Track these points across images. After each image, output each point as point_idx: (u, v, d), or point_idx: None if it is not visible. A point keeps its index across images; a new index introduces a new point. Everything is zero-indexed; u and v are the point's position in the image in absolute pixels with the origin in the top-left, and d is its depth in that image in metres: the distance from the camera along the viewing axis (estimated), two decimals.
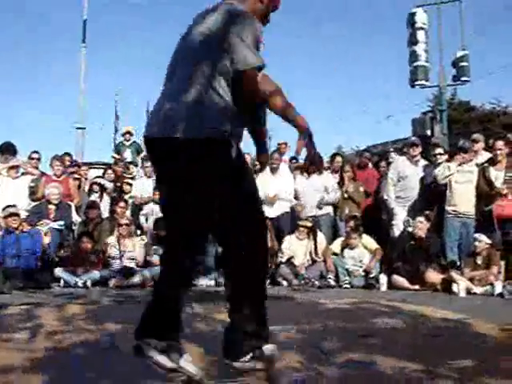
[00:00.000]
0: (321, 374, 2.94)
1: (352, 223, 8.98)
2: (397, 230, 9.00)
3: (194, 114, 2.62)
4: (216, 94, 2.65)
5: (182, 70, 2.74)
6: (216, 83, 2.65)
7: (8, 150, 9.87)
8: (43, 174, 10.35)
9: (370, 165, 10.82)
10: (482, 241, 7.89)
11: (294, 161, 11.03)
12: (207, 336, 3.85)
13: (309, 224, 9.00)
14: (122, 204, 9.84)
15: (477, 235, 8.01)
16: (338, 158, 10.48)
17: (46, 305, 5.88)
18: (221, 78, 2.65)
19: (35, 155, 10.58)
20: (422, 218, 8.49)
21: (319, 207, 9.46)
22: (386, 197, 9.23)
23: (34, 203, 9.58)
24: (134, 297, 7.00)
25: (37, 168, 10.52)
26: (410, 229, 8.62)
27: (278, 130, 20.49)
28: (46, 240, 8.58)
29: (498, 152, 8.51)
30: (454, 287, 7.58)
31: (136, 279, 8.57)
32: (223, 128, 2.66)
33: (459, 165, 8.73)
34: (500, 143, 8.65)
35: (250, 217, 2.90)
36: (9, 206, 8.54)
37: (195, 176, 2.61)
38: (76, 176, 10.51)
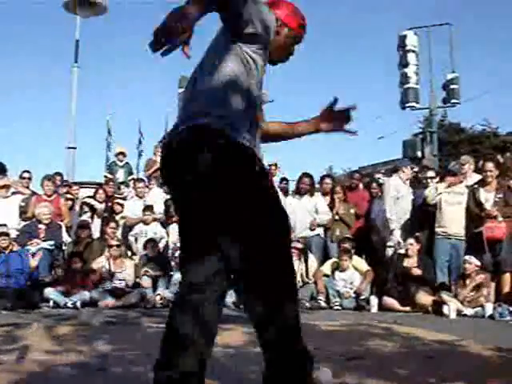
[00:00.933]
0: None
1: (347, 245, 8.98)
2: (390, 251, 9.02)
3: None
4: None
5: None
6: None
7: None
8: (34, 193, 10.33)
9: (361, 186, 10.85)
10: (472, 263, 7.90)
11: (285, 182, 11.06)
12: None
13: (299, 246, 8.99)
14: (112, 225, 9.82)
15: (467, 257, 8.02)
16: (328, 180, 10.48)
17: (34, 325, 5.83)
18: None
19: (26, 174, 10.57)
20: (412, 240, 8.51)
21: (311, 229, 9.45)
22: (388, 216, 9.21)
23: (24, 222, 9.55)
24: (125, 318, 6.98)
25: (28, 187, 10.51)
26: (401, 251, 8.64)
27: (268, 152, 20.55)
28: (34, 262, 8.49)
29: (488, 174, 8.54)
30: (445, 309, 7.57)
31: (132, 299, 8.56)
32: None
33: (448, 186, 8.77)
34: (490, 165, 8.69)
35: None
36: None
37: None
38: (67, 196, 10.49)
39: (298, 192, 9.76)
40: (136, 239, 10.04)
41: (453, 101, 16.86)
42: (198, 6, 2.08)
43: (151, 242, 9.41)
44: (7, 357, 3.93)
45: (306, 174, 9.88)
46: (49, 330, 5.43)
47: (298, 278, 8.93)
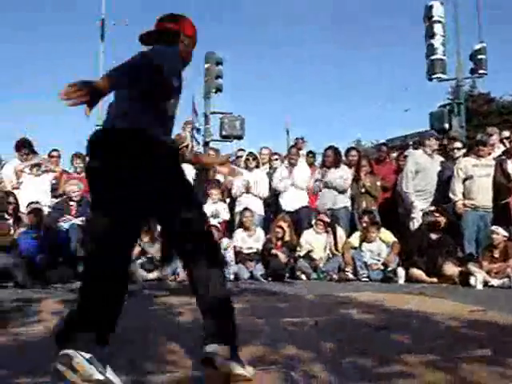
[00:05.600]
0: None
1: (366, 218, 9.05)
2: (416, 223, 9.03)
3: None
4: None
5: None
6: None
7: (24, 145, 9.99)
8: (64, 171, 10.48)
9: (388, 158, 10.84)
10: (500, 233, 7.90)
11: (311, 155, 11.10)
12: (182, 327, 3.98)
13: (326, 219, 9.06)
14: None
15: (494, 228, 8.02)
16: (353, 152, 10.42)
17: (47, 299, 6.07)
18: None
19: (55, 153, 10.69)
20: (437, 213, 8.54)
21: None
22: (405, 190, 9.20)
23: (56, 200, 9.73)
24: (141, 291, 7.11)
25: (57, 165, 10.65)
26: (427, 221, 8.64)
27: (294, 125, 20.55)
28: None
29: None
30: (472, 280, 7.60)
31: (159, 273, 8.77)
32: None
33: (477, 158, 8.74)
34: None
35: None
36: (32, 203, 8.72)
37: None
38: None
39: (324, 165, 9.78)
40: None
41: (480, 71, 16.59)
42: (105, 87, 2.57)
43: None
44: (35, 328, 4.11)
45: (330, 147, 9.89)
46: (64, 303, 5.57)
47: (327, 251, 9.04)
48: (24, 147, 9.94)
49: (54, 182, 9.98)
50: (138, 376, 2.81)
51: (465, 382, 2.67)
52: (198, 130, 18.38)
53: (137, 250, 9.04)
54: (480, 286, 7.47)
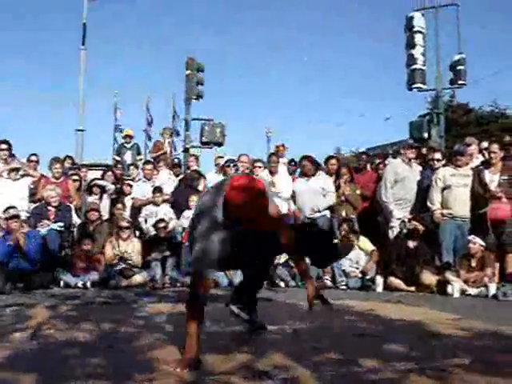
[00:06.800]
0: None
1: (345, 226, 9.07)
2: (395, 232, 9.06)
3: None
4: None
5: None
6: None
7: (3, 142, 9.97)
8: (43, 176, 10.41)
9: (369, 167, 10.89)
10: (477, 243, 7.98)
11: (293, 163, 11.12)
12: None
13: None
14: (119, 206, 9.99)
15: (471, 237, 8.09)
16: (333, 161, 10.45)
17: (37, 305, 5.98)
18: None
19: (34, 158, 10.64)
20: (415, 221, 8.63)
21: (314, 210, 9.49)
22: (384, 199, 9.26)
23: (34, 205, 9.66)
24: (130, 297, 7.10)
25: (35, 170, 10.59)
26: (405, 230, 8.70)
27: (276, 133, 20.64)
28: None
29: (493, 155, 8.61)
30: (449, 288, 7.68)
31: (140, 280, 8.76)
32: None
33: (455, 168, 8.82)
34: (495, 146, 8.75)
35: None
36: (10, 208, 8.63)
37: None
38: (75, 178, 10.57)
39: (303, 174, 9.80)
40: (146, 220, 10.16)
41: (460, 82, 16.75)
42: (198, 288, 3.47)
43: (161, 223, 9.53)
44: (17, 335, 4.07)
45: (305, 157, 9.91)
46: (54, 309, 5.57)
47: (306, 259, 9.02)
48: (4, 143, 9.91)
49: (32, 186, 9.91)
50: None
51: None
52: (178, 134, 18.39)
53: (115, 255, 9.04)
54: (457, 294, 7.55)
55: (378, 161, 11.05)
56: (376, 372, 3.03)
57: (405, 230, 8.71)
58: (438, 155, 9.55)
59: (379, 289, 8.32)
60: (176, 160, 12.42)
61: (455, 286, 7.63)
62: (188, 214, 8.91)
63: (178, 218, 9.81)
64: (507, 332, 4.37)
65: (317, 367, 3.10)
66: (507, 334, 4.27)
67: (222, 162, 10.91)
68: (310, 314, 3.95)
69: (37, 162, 10.68)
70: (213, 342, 3.69)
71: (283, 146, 12.10)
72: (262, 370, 3.06)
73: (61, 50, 66.23)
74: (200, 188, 10.22)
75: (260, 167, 10.46)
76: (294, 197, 9.62)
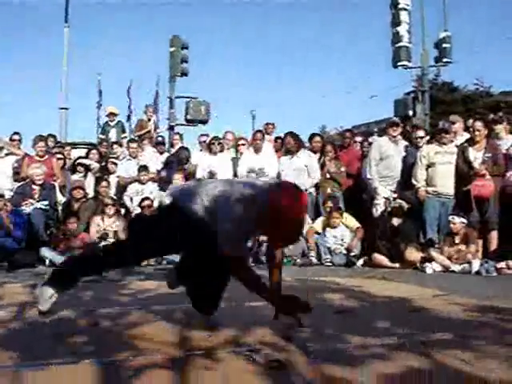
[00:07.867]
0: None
1: (330, 203, 9.12)
2: (379, 209, 9.13)
3: None
4: None
5: None
6: None
7: None
8: (26, 154, 10.35)
9: (354, 145, 10.90)
10: (456, 222, 8.03)
11: (280, 141, 11.12)
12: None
13: None
14: (104, 183, 9.95)
15: (450, 218, 8.15)
16: (317, 139, 10.48)
17: (22, 283, 5.97)
18: None
19: (16, 136, 10.58)
20: (400, 199, 8.70)
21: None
22: (369, 176, 9.30)
23: (18, 184, 9.61)
24: (108, 276, 7.07)
25: (19, 149, 10.52)
26: (390, 208, 8.76)
27: (262, 110, 20.60)
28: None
29: (477, 133, 8.64)
30: (427, 267, 7.77)
31: None
32: None
33: (440, 146, 8.85)
34: (479, 124, 8.76)
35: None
36: None
37: None
38: (59, 156, 10.51)
39: (287, 151, 9.80)
40: (131, 199, 10.14)
41: (445, 60, 16.77)
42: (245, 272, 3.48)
43: (147, 201, 9.50)
44: (1, 313, 4.07)
45: (288, 133, 9.92)
46: (25, 287, 5.51)
47: None
48: None
49: (16, 165, 9.85)
50: (118, 360, 2.78)
51: (430, 365, 2.72)
52: (157, 110, 18.07)
53: (99, 233, 9.04)
54: (430, 271, 7.69)
55: (359, 139, 11.08)
56: (362, 348, 3.06)
57: (389, 208, 8.76)
58: (420, 132, 9.56)
59: (359, 263, 8.58)
60: (160, 138, 12.37)
61: (433, 265, 7.82)
62: None
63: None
64: (489, 307, 4.44)
65: (303, 343, 3.13)
66: (489, 309, 4.33)
67: (206, 139, 10.89)
68: (293, 292, 3.96)
69: (19, 140, 10.62)
70: (199, 318, 3.71)
71: (273, 124, 12.13)
72: (248, 345, 3.09)
73: (44, 26, 65.42)
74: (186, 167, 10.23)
75: (244, 144, 10.49)
76: (279, 175, 9.63)
